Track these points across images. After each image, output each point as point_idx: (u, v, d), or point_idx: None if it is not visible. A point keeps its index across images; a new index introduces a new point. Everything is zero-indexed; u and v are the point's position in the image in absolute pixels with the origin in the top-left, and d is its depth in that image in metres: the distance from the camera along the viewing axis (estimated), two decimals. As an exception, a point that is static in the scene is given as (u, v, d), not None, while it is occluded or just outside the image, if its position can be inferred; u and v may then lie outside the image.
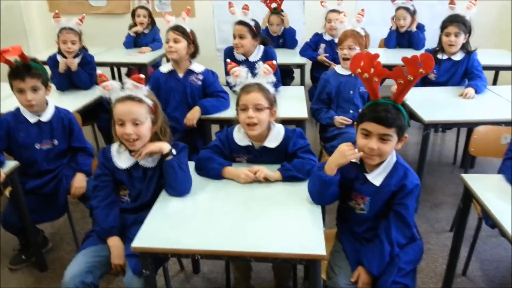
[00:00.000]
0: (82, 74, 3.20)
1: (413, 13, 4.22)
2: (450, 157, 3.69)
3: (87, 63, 3.28)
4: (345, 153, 1.63)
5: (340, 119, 2.75)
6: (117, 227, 1.80)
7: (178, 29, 2.66)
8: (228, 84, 3.01)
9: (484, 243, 2.56)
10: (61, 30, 3.18)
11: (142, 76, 1.74)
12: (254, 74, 1.96)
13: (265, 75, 1.92)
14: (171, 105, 2.72)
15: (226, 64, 3.10)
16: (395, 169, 1.67)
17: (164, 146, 1.79)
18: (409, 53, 2.37)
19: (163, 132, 1.84)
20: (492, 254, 2.49)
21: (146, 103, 1.76)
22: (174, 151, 1.78)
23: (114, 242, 1.78)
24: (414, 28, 4.25)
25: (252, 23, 3.07)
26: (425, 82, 3.24)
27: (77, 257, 1.74)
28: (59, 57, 3.25)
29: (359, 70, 1.59)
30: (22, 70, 2.16)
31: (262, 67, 1.92)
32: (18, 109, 2.28)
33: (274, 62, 1.94)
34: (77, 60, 3.26)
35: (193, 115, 2.65)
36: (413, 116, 2.77)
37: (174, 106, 2.73)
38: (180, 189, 1.77)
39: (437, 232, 2.69)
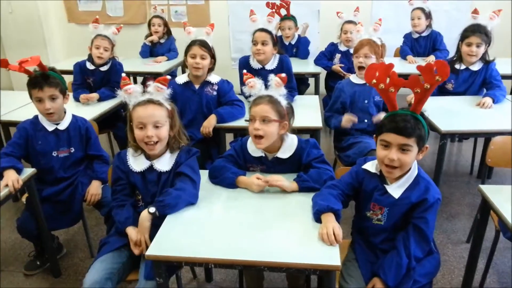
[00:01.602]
0: (104, 96, 3.22)
1: (428, 15, 4.20)
2: (466, 167, 3.63)
3: (116, 71, 3.33)
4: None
5: (346, 117, 2.72)
6: (132, 217, 1.81)
7: (205, 45, 2.68)
8: (243, 93, 3.04)
9: (502, 256, 2.50)
10: (96, 36, 3.27)
11: (169, 77, 1.80)
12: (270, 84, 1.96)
13: (276, 88, 1.92)
14: (187, 115, 2.73)
15: (241, 74, 3.16)
16: (417, 182, 1.65)
17: (146, 224, 1.70)
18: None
19: (180, 136, 1.89)
20: (511, 266, 2.43)
21: (165, 107, 1.80)
22: (152, 209, 1.69)
23: (132, 230, 1.77)
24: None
25: (274, 32, 3.10)
26: (442, 92, 3.21)
27: (95, 264, 1.76)
28: (88, 64, 3.34)
29: (374, 81, 1.58)
30: (41, 79, 2.21)
31: (274, 79, 1.92)
32: (36, 117, 2.32)
33: (283, 75, 1.93)
34: (106, 67, 3.33)
35: (209, 123, 2.67)
36: (429, 125, 2.74)
37: (190, 116, 2.75)
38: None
39: (454, 243, 2.64)
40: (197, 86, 2.78)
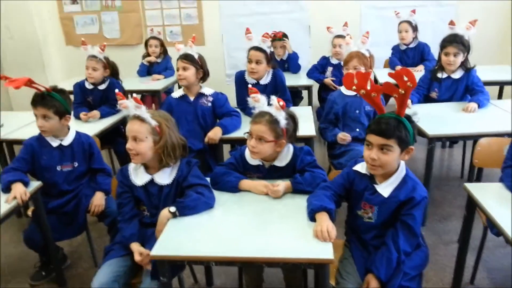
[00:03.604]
0: (105, 113, 3.34)
1: (415, 27, 4.37)
2: (457, 172, 3.75)
3: (114, 89, 3.41)
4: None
5: (342, 135, 2.85)
6: (136, 234, 1.90)
7: (186, 57, 2.82)
8: (239, 104, 3.15)
9: (492, 254, 2.60)
10: (87, 57, 3.40)
11: (137, 96, 1.85)
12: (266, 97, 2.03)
13: (277, 111, 1.97)
14: (183, 126, 2.84)
15: (238, 87, 3.28)
16: (404, 182, 1.75)
17: (165, 221, 1.79)
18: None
19: (167, 153, 1.90)
20: (500, 263, 2.52)
21: (148, 123, 1.87)
22: (173, 209, 1.80)
23: (136, 246, 1.87)
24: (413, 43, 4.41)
25: (268, 50, 3.22)
26: (429, 100, 3.35)
27: (103, 267, 1.85)
28: (87, 84, 3.48)
29: (354, 87, 1.70)
30: (38, 98, 2.33)
31: (275, 103, 1.97)
32: (41, 134, 2.42)
33: (281, 103, 1.97)
34: (103, 86, 3.46)
35: (215, 134, 2.79)
36: (417, 131, 2.87)
37: (187, 127, 2.85)
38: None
39: (445, 243, 2.73)
40: (192, 98, 2.91)
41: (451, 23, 3.25)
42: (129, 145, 1.85)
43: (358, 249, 1.84)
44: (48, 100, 2.33)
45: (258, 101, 2.03)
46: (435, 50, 4.19)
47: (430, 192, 3.01)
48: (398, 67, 4.27)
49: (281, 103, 1.97)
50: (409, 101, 3.06)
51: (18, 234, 2.95)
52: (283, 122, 1.98)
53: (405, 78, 1.60)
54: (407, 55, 4.46)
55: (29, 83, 2.31)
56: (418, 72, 3.86)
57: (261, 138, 1.94)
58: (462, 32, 3.16)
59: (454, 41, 3.12)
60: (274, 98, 1.98)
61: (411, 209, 1.71)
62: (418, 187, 1.73)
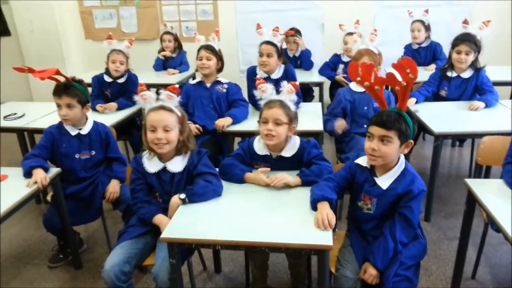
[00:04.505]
0: (123, 105, 3.47)
1: (427, 27, 4.39)
2: (466, 170, 3.78)
3: (132, 82, 3.58)
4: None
5: (340, 122, 2.88)
6: (159, 210, 2.00)
7: (209, 48, 3.04)
8: (250, 99, 3.26)
9: (495, 249, 2.64)
10: (111, 51, 3.52)
11: (177, 86, 2.00)
12: (277, 92, 2.15)
13: (288, 94, 2.11)
14: (199, 109, 3.08)
15: (249, 82, 3.38)
16: (403, 175, 1.82)
17: (175, 207, 1.90)
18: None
19: (188, 141, 2.06)
20: (502, 259, 2.57)
21: (175, 113, 1.99)
22: (183, 195, 1.90)
23: (161, 218, 1.97)
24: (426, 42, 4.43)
25: (279, 45, 3.32)
26: (437, 98, 3.39)
27: (115, 249, 1.97)
28: (105, 77, 3.59)
29: (359, 79, 1.77)
30: (61, 88, 2.44)
31: (286, 86, 2.12)
32: (61, 123, 2.55)
33: (296, 82, 2.13)
34: (123, 79, 3.59)
35: (224, 122, 2.93)
36: (424, 129, 2.92)
37: (203, 110, 3.09)
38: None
39: (449, 239, 2.79)
40: (208, 84, 3.12)
41: (465, 22, 3.29)
42: (160, 135, 1.93)
43: (357, 239, 1.92)
44: (72, 90, 2.45)
45: (266, 91, 2.12)
46: (447, 50, 4.23)
47: (437, 189, 3.08)
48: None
49: (296, 83, 2.10)
50: (412, 99, 3.12)
51: (37, 219, 3.11)
52: (293, 106, 2.10)
53: (407, 70, 1.67)
54: (419, 54, 4.49)
55: (57, 74, 2.43)
56: (430, 71, 3.89)
57: (277, 121, 2.03)
58: (475, 32, 3.19)
59: (467, 40, 3.15)
60: (285, 83, 2.12)
61: (408, 202, 1.78)
62: (416, 181, 1.80)
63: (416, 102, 3.27)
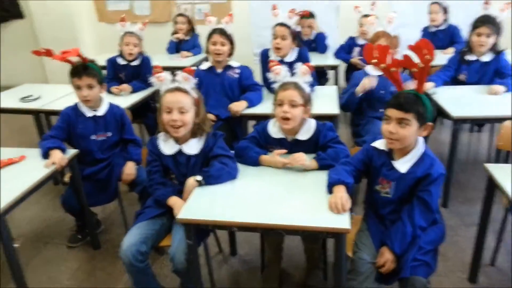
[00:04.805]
0: (137, 88, 3.46)
1: (445, 9, 4.30)
2: (485, 156, 3.73)
3: (146, 65, 3.57)
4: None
5: (365, 79, 2.83)
6: (173, 191, 2.01)
7: (224, 33, 2.96)
8: (264, 82, 3.23)
9: (515, 236, 2.61)
10: (125, 33, 3.51)
11: (193, 68, 1.98)
12: (291, 75, 2.13)
13: (303, 75, 2.09)
14: (212, 97, 3.00)
15: (262, 64, 3.35)
16: (422, 159, 1.79)
17: (191, 189, 1.90)
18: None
19: (204, 123, 2.06)
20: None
21: (191, 95, 1.98)
22: (199, 177, 1.90)
23: (174, 200, 1.98)
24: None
25: (293, 27, 3.26)
26: (457, 83, 3.33)
27: (132, 229, 1.98)
28: (119, 59, 3.58)
29: (375, 61, 1.73)
30: (80, 69, 2.45)
31: (300, 67, 2.09)
32: (76, 104, 2.56)
33: (310, 64, 2.10)
34: (137, 62, 3.58)
35: (239, 107, 2.91)
36: (442, 113, 2.87)
37: (215, 98, 3.02)
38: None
39: (467, 225, 2.76)
40: (219, 70, 3.05)
41: (486, 2, 3.20)
42: (175, 116, 1.93)
43: (374, 223, 1.91)
44: (91, 70, 2.47)
45: (279, 73, 2.10)
46: (466, 34, 4.13)
47: (455, 174, 3.03)
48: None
49: (310, 64, 2.08)
50: (430, 83, 3.06)
51: (55, 200, 3.16)
52: (307, 89, 2.08)
53: (424, 52, 1.63)
54: (437, 37, 4.40)
55: (78, 55, 2.48)
56: (448, 54, 3.81)
57: (292, 103, 2.02)
58: (495, 14, 3.11)
59: (488, 22, 3.08)
60: (299, 64, 2.08)
61: (428, 185, 1.76)
62: (435, 164, 1.77)
63: (435, 87, 3.21)
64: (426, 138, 1.87)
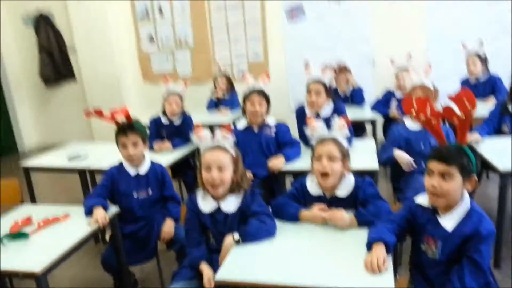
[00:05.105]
0: (177, 145, 3.56)
1: (484, 60, 4.22)
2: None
3: (187, 124, 3.69)
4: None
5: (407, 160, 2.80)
6: (205, 255, 2.01)
7: (262, 93, 3.02)
8: (301, 138, 3.23)
9: None
10: (168, 93, 3.68)
11: (232, 127, 2.02)
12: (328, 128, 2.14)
13: (340, 129, 2.09)
14: (249, 156, 3.01)
15: (298, 121, 3.37)
16: (469, 215, 1.70)
17: (229, 247, 1.89)
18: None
19: (242, 180, 2.07)
20: None
21: (229, 153, 2.02)
22: (236, 237, 1.89)
23: (206, 266, 1.98)
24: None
25: (327, 82, 3.31)
26: (501, 133, 3.21)
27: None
28: (163, 119, 3.72)
29: (414, 113, 1.71)
30: (126, 127, 2.57)
31: (337, 122, 2.10)
32: (121, 164, 2.65)
33: (347, 117, 2.12)
34: (179, 121, 3.71)
35: (279, 163, 2.90)
36: (488, 166, 2.75)
37: (252, 157, 3.02)
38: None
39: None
40: (256, 130, 3.08)
41: None
42: (215, 175, 1.97)
43: (421, 286, 1.80)
44: (136, 128, 2.57)
45: (316, 128, 2.11)
46: (507, 84, 4.03)
47: (506, 233, 2.85)
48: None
49: (347, 118, 2.10)
50: (477, 135, 2.97)
51: (95, 259, 3.18)
52: (345, 144, 2.07)
53: (465, 102, 1.60)
54: (477, 89, 4.25)
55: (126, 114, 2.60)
56: (489, 105, 3.71)
57: (331, 157, 2.00)
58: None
59: None
60: (336, 119, 2.10)
61: (477, 244, 1.65)
62: (484, 221, 1.68)
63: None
64: (471, 194, 1.79)
